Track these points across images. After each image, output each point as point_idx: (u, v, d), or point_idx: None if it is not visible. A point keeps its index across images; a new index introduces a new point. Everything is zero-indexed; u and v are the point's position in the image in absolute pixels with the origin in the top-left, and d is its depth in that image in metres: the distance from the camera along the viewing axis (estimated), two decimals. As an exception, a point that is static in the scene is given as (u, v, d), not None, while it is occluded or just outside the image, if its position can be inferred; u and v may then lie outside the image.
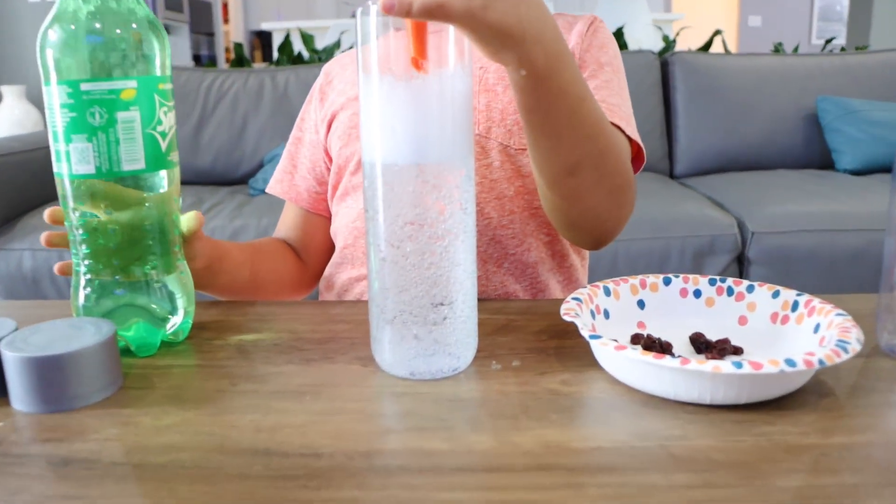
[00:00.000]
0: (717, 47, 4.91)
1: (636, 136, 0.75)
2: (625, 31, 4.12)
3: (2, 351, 0.52)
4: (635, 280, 0.64)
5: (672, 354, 0.56)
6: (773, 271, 2.06)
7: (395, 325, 0.52)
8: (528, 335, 0.63)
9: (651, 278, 0.64)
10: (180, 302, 0.63)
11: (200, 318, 0.71)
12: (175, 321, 0.63)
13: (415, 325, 0.52)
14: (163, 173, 0.61)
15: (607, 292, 0.62)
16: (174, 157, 0.62)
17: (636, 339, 0.59)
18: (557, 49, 0.55)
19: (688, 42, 5.43)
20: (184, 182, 2.88)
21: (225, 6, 8.21)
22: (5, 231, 2.12)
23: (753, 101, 2.74)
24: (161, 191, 0.61)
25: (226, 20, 8.26)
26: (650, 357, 0.47)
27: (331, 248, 0.93)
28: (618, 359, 0.51)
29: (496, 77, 0.79)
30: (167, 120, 0.61)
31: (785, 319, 0.59)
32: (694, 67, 2.78)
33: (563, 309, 0.56)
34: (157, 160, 0.60)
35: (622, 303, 0.63)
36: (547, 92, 0.57)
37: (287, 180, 0.94)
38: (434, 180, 0.49)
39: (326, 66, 0.91)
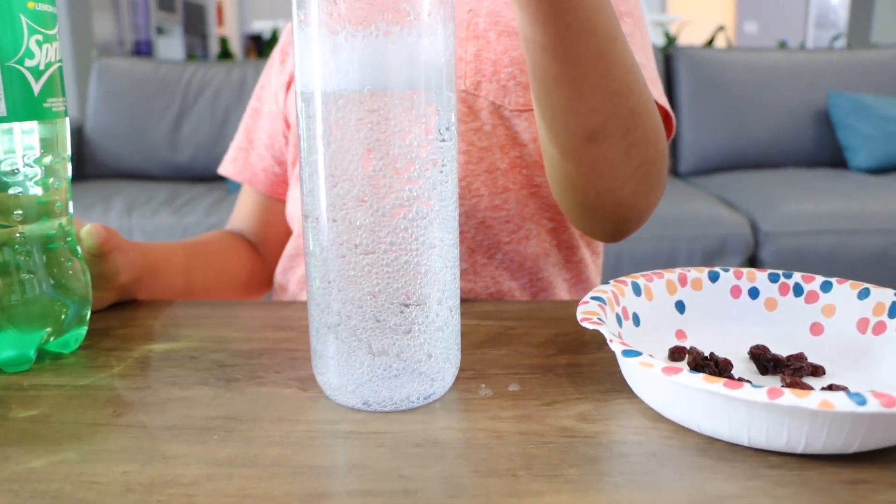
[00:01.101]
0: (719, 44, 4.79)
1: (665, 102, 0.59)
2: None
3: None
4: (672, 274, 0.48)
5: (732, 376, 0.40)
6: (788, 275, 1.91)
7: (340, 334, 0.36)
8: (530, 348, 0.47)
9: (693, 272, 0.48)
10: (64, 307, 0.47)
11: (108, 321, 0.55)
12: (56, 330, 0.47)
13: (370, 334, 0.36)
14: (32, 126, 0.45)
15: (637, 290, 0.46)
16: (57, 105, 0.46)
17: (677, 353, 0.44)
18: None
19: (688, 41, 5.31)
20: (161, 178, 2.74)
21: (220, 8, 8.06)
22: None
23: (760, 97, 2.60)
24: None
25: (220, 22, 8.11)
26: (721, 385, 0.31)
27: (287, 233, 0.78)
28: (665, 386, 0.35)
29: (488, 22, 0.64)
30: (43, 53, 0.45)
31: (880, 328, 0.43)
32: (698, 62, 2.64)
33: (582, 312, 0.40)
34: (25, 105, 0.44)
35: (656, 304, 0.47)
36: (567, 22, 0.41)
37: (241, 158, 0.79)
38: (394, 117, 0.33)
39: (289, 25, 0.76)
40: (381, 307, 0.35)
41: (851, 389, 0.38)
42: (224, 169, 0.80)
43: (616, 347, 0.35)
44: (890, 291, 0.44)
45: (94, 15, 4.84)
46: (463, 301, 0.58)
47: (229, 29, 8.32)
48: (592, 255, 0.71)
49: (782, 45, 5.09)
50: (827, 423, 0.31)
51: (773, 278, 0.48)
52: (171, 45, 6.50)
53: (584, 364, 0.44)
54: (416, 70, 0.34)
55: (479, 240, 0.63)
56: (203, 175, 2.62)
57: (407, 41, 0.33)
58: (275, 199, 0.78)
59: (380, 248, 0.35)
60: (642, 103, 0.48)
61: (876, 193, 2.07)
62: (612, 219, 0.55)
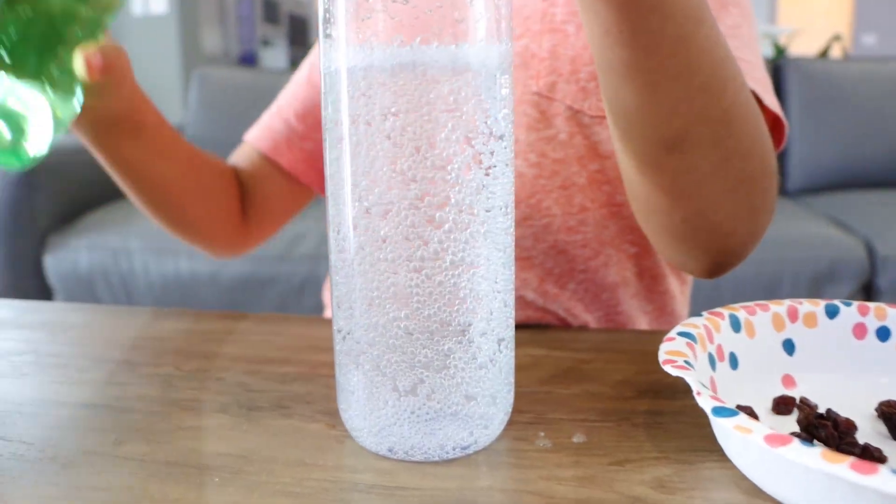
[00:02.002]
0: (835, 54, 4.51)
1: (776, 107, 0.49)
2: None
3: None
4: (780, 307, 0.40)
5: (855, 442, 0.32)
6: (910, 306, 1.73)
7: (363, 365, 0.30)
8: (605, 387, 0.40)
9: (807, 305, 0.40)
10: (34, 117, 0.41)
11: (143, 330, 0.51)
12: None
13: (395, 368, 0.30)
14: None
15: (736, 325, 0.38)
16: None
17: (783, 405, 0.35)
18: None
19: (799, 52, 5.03)
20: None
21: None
22: (65, 228, 2.03)
23: (880, 112, 2.39)
24: None
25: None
26: (847, 467, 0.23)
27: (282, 215, 0.70)
28: (768, 456, 0.27)
29: (567, 13, 0.56)
30: None
31: None
32: (810, 74, 2.46)
33: (665, 352, 0.33)
34: None
35: (759, 343, 0.39)
36: (636, 1, 0.32)
37: (264, 124, 0.70)
38: (428, 102, 0.27)
39: None
40: (409, 337, 0.29)
41: None
42: (250, 135, 0.71)
43: (705, 403, 0.27)
44: None
45: (203, 28, 5.03)
46: (533, 327, 0.51)
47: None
48: (680, 285, 0.62)
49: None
50: None
51: (910, 316, 0.39)
52: (276, 57, 6.70)
53: (668, 412, 0.37)
54: (459, 44, 0.27)
55: (549, 266, 0.55)
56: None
57: (447, 6, 0.27)
58: (272, 162, 0.68)
59: (408, 264, 0.28)
60: (740, 105, 0.39)
61: None
62: (706, 249, 0.45)
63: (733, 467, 0.31)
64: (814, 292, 1.75)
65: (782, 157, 2.47)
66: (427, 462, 0.31)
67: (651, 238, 0.47)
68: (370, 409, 0.31)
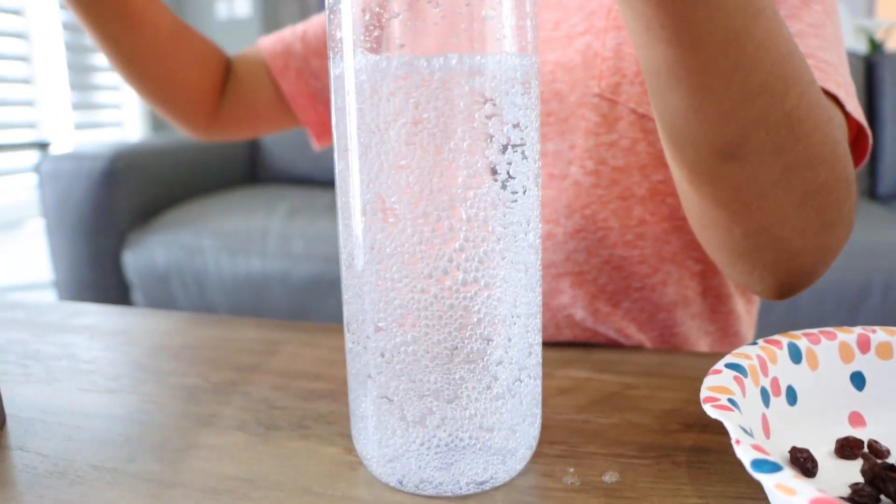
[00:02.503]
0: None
1: (859, 114, 0.44)
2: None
3: None
4: (849, 335, 0.35)
5: (932, 498, 0.27)
6: None
7: (370, 391, 0.28)
8: (649, 418, 0.37)
9: (881, 334, 0.36)
10: None
11: (176, 337, 0.51)
12: None
13: (402, 396, 0.27)
14: None
15: (795, 355, 0.34)
16: None
17: (847, 448, 0.31)
18: None
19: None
20: (326, 184, 2.81)
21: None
22: (144, 226, 2.09)
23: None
24: None
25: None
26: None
27: (259, 123, 0.68)
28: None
29: None
30: None
31: None
32: (908, 70, 2.31)
33: (708, 387, 0.29)
34: None
35: (823, 375, 0.34)
36: None
37: (281, 40, 0.67)
38: (435, 97, 0.25)
39: None
40: (417, 363, 0.27)
41: None
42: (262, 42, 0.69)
43: (744, 454, 0.24)
44: None
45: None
46: (581, 346, 0.48)
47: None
48: (747, 305, 0.56)
49: None
50: None
51: None
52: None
53: (715, 450, 0.33)
54: (474, 50, 0.25)
55: (602, 283, 0.52)
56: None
57: None
58: (273, 80, 0.67)
59: (415, 283, 0.26)
60: (807, 108, 0.34)
61: None
62: (772, 268, 0.40)
63: (784, 521, 0.27)
64: (906, 305, 1.63)
65: (872, 159, 2.33)
66: (440, 497, 0.29)
67: (713, 257, 0.43)
68: (379, 437, 0.29)
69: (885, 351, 0.35)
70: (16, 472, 0.33)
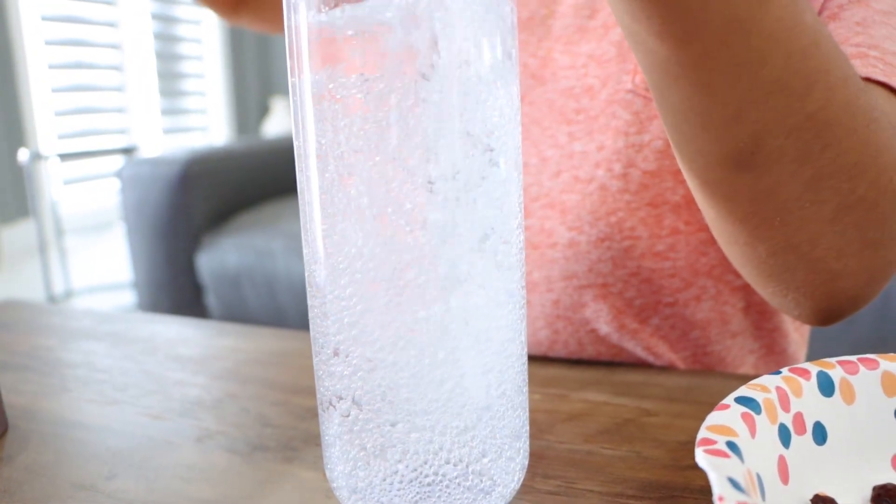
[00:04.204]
0: None
1: None
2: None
3: None
4: (892, 363, 0.31)
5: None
6: None
7: (332, 414, 0.26)
8: (661, 451, 0.33)
9: (931, 364, 0.31)
10: None
11: (187, 346, 0.50)
12: None
13: (364, 426, 0.25)
14: None
15: (827, 387, 0.30)
16: None
17: (886, 497, 0.27)
18: None
19: None
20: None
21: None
22: (217, 228, 2.15)
23: None
24: None
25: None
26: None
27: (271, 26, 0.68)
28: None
29: None
30: None
31: None
32: None
33: (708, 426, 0.25)
34: None
35: (861, 410, 0.30)
36: None
37: None
38: (386, 96, 0.22)
39: None
40: (375, 391, 0.24)
41: None
42: None
43: (727, 512, 0.20)
44: None
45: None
46: (605, 365, 0.45)
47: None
48: (795, 321, 0.51)
49: None
50: None
51: None
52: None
53: (729, 492, 0.29)
54: (431, 44, 0.22)
55: (629, 297, 0.47)
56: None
57: None
58: None
59: (370, 304, 0.24)
60: (838, 109, 0.29)
61: None
62: (807, 292, 0.35)
63: (793, 584, 0.23)
64: None
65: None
66: (408, 537, 0.27)
67: (743, 275, 0.38)
68: (343, 468, 0.26)
69: (937, 384, 0.31)
70: (2, 482, 0.32)
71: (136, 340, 0.53)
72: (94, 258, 3.10)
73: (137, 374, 0.46)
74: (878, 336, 1.49)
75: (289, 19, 0.24)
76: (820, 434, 0.29)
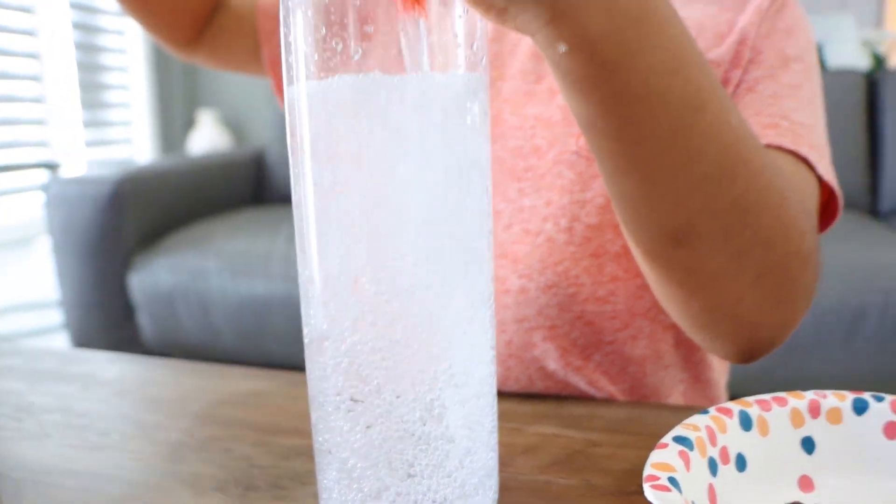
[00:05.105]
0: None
1: (830, 177, 0.46)
2: (826, 52, 3.61)
3: None
4: (801, 402, 0.37)
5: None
6: None
7: (330, 464, 0.30)
8: (609, 479, 0.38)
9: (831, 399, 0.37)
10: None
11: (162, 388, 0.52)
12: None
13: (362, 470, 0.29)
14: None
15: (746, 423, 0.36)
16: None
17: (794, 515, 0.33)
18: (643, 8, 0.30)
19: (901, 62, 4.72)
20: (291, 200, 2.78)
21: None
22: (149, 248, 2.12)
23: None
24: None
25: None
26: None
27: (233, 65, 0.70)
28: None
29: None
30: None
31: None
32: (909, 88, 2.32)
33: (652, 464, 0.31)
34: None
35: (774, 441, 0.36)
36: (617, 91, 0.30)
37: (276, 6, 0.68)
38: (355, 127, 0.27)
39: None
40: (369, 441, 0.29)
41: None
42: None
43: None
44: None
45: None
46: (553, 398, 0.50)
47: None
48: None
49: None
50: None
51: (948, 416, 0.36)
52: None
53: (667, 515, 0.35)
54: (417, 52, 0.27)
55: (574, 337, 0.53)
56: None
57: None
58: (257, 39, 0.68)
59: (366, 359, 0.28)
60: (757, 193, 0.36)
61: None
62: (731, 339, 0.42)
63: None
64: (902, 327, 1.64)
65: (875, 178, 2.34)
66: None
67: (678, 323, 0.45)
68: (340, 499, 0.30)
69: (834, 416, 0.37)
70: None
71: (106, 382, 0.55)
72: (15, 275, 2.99)
73: (116, 417, 0.48)
74: (785, 347, 1.61)
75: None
76: (741, 463, 0.35)
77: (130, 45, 3.11)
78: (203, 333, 2.05)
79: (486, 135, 0.30)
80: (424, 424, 0.28)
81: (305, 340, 0.31)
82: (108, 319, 2.10)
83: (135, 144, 3.15)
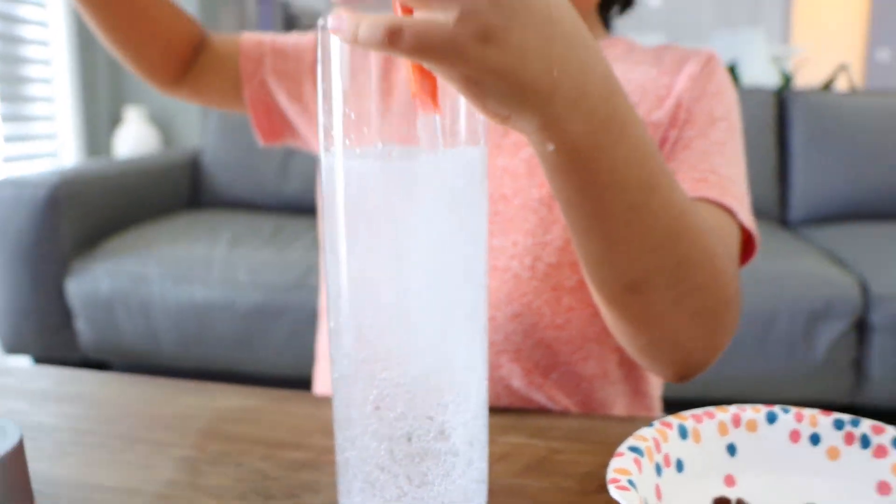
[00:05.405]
0: (841, 84, 4.53)
1: (750, 223, 0.56)
2: (740, 68, 3.84)
3: None
4: (725, 414, 0.46)
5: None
6: (903, 345, 1.77)
7: (357, 476, 0.37)
8: (571, 481, 0.46)
9: (749, 412, 0.46)
10: None
11: (166, 406, 0.58)
12: None
13: (384, 484, 0.36)
14: None
15: (683, 433, 0.44)
16: None
17: (721, 505, 0.41)
18: (609, 112, 0.37)
19: (808, 77, 5.05)
20: (269, 209, 2.82)
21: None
22: (87, 253, 2.10)
23: (884, 145, 2.44)
24: None
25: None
26: None
27: (215, 102, 0.75)
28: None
29: None
30: None
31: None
32: (815, 107, 2.51)
33: (614, 469, 0.39)
34: None
35: (705, 448, 0.45)
36: (591, 179, 0.39)
37: (262, 43, 0.73)
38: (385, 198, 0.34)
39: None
40: (390, 455, 0.35)
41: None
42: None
43: (635, 529, 0.33)
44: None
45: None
46: (516, 411, 0.57)
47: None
48: None
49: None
50: None
51: (838, 425, 0.45)
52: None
53: (622, 509, 0.43)
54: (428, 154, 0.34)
55: (535, 359, 0.61)
56: (310, 207, 2.70)
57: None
58: (239, 81, 0.72)
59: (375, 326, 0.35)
60: (696, 251, 0.45)
61: None
62: (669, 363, 0.52)
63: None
64: (809, 328, 1.80)
65: (784, 190, 2.52)
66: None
67: (626, 349, 0.54)
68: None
69: (752, 425, 0.46)
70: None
71: (104, 403, 0.60)
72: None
73: (125, 437, 0.53)
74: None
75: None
76: (679, 466, 0.43)
77: (54, 38, 3.02)
78: (143, 339, 2.05)
79: (486, 193, 0.37)
80: (436, 442, 0.35)
81: (334, 375, 0.37)
82: (44, 325, 2.08)
83: (58, 140, 3.05)
